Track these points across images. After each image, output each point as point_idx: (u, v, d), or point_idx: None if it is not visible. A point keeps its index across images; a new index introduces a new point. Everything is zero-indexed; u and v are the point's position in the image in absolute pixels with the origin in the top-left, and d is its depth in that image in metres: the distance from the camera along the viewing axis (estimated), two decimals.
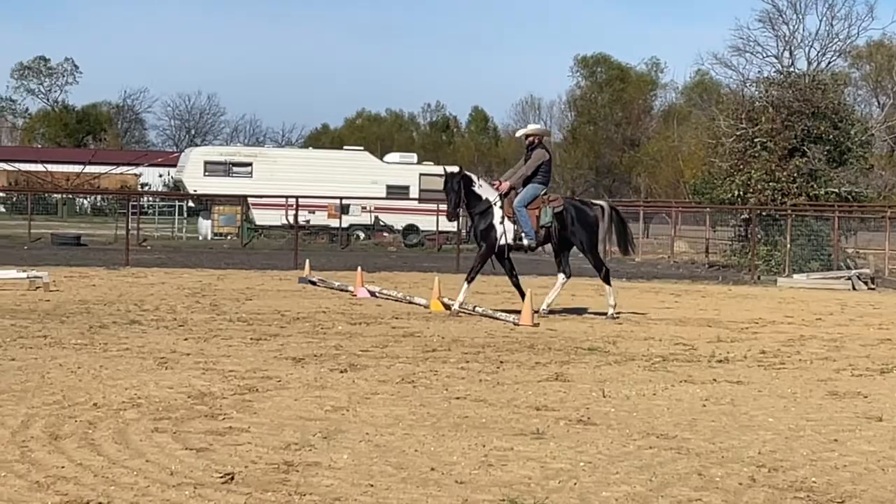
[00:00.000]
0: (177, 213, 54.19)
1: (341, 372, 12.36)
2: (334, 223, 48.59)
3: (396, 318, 18.27)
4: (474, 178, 19.62)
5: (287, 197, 43.05)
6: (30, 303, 18.91)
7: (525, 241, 19.42)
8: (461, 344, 15.19)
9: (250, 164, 50.96)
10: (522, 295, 19.00)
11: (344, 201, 47.33)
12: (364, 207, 50.13)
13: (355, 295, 21.97)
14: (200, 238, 49.91)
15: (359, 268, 24.36)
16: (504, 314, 18.34)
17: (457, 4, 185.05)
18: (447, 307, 19.33)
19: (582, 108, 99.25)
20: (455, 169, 20.12)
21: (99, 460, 7.97)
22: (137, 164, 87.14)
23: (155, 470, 7.76)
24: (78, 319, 16.68)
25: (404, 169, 52.51)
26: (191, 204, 55.65)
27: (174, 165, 68.66)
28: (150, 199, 67.00)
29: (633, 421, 10.11)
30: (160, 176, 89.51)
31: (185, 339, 14.76)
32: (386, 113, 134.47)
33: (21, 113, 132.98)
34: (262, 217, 49.43)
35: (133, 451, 8.28)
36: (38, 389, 10.67)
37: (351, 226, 50.11)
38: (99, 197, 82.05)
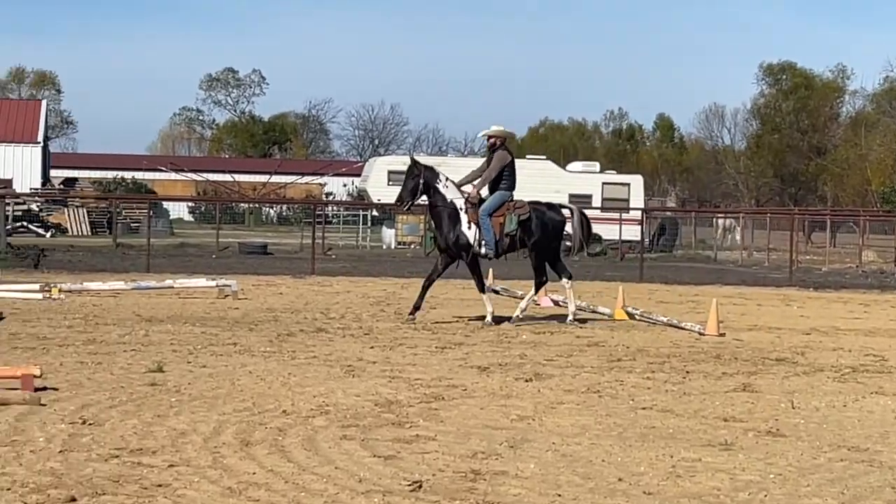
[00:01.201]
0: (361, 223, 54.77)
1: (526, 381, 12.35)
2: None
3: (580, 328, 18.20)
4: (442, 176, 18.73)
5: None
6: (219, 311, 19.29)
7: (482, 250, 18.61)
8: (646, 354, 15.06)
9: None
10: (419, 303, 18.54)
11: None
12: None
13: (539, 304, 21.91)
14: (384, 247, 50.36)
15: None
16: (690, 324, 18.12)
17: (641, 12, 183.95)
18: (625, 317, 19.15)
19: (766, 116, 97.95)
20: (420, 159, 19.57)
21: (289, 467, 8.07)
22: (322, 174, 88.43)
23: (344, 477, 7.83)
24: (266, 327, 16.96)
25: (587, 178, 52.29)
26: (374, 213, 56.20)
27: (358, 175, 69.51)
28: (335, 208, 67.85)
29: (823, 433, 9.91)
30: (344, 185, 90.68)
31: (371, 348, 14.90)
32: (568, 121, 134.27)
33: (209, 124, 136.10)
34: None
35: (322, 457, 8.38)
36: (229, 396, 10.86)
37: None
38: (285, 206, 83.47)
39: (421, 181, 18.37)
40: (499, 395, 11.38)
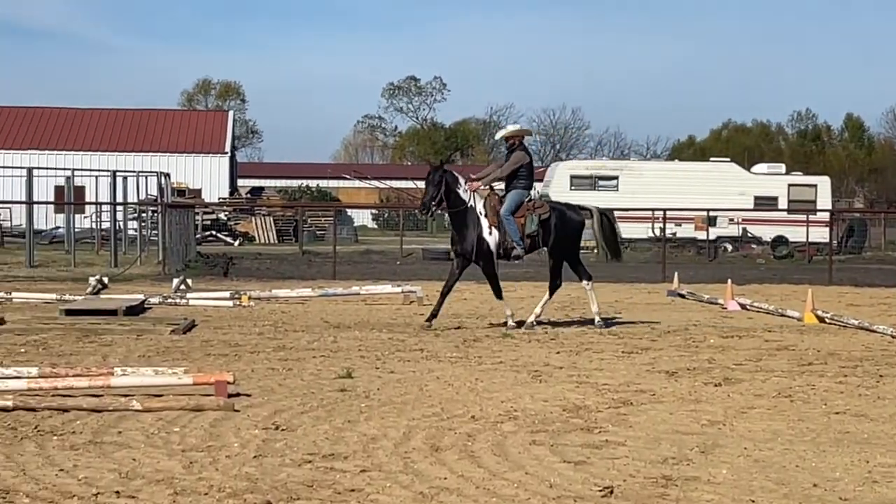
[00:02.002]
0: None
1: (715, 385, 12.20)
2: (701, 235, 48.05)
3: (769, 331, 17.90)
4: (461, 179, 18.35)
5: (653, 210, 42.89)
6: (405, 316, 19.46)
7: (515, 250, 18.16)
8: (837, 357, 14.75)
9: (616, 178, 51.03)
10: (437, 308, 18.10)
11: (711, 213, 46.80)
12: (731, 219, 49.43)
13: (725, 308, 21.65)
14: None
15: (728, 280, 24.02)
16: (882, 327, 17.70)
17: (825, 9, 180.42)
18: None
19: None
20: (438, 162, 18.85)
21: (479, 472, 8.09)
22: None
23: (534, 482, 7.82)
24: (452, 333, 17.05)
25: (772, 180, 51.47)
26: None
27: (540, 180, 69.46)
28: None
29: None
30: None
31: (558, 353, 14.87)
32: (752, 123, 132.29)
33: (391, 132, 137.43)
34: (628, 230, 49.35)
35: (512, 463, 8.38)
36: (418, 402, 10.94)
37: (718, 238, 49.45)
38: None
39: (443, 187, 17.95)
40: (688, 400, 11.27)
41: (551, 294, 18.61)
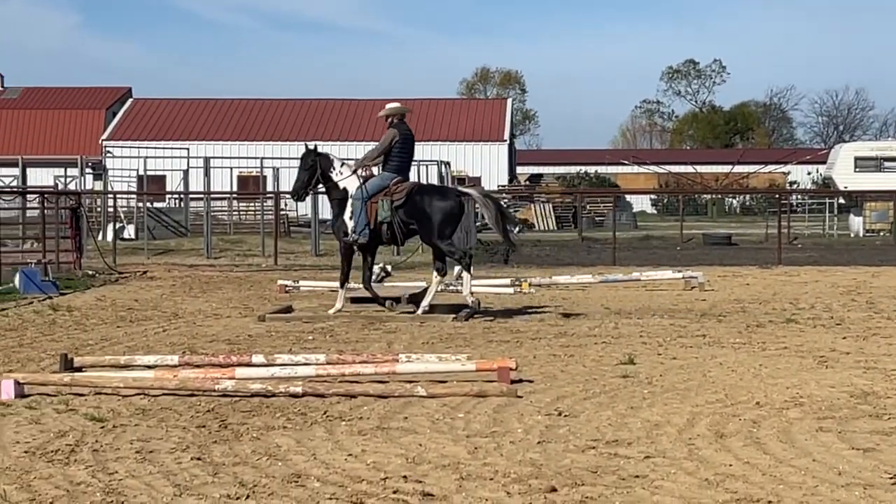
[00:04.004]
0: (827, 211, 53.40)
1: None
2: None
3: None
4: (336, 162, 17.41)
5: None
6: (686, 302, 19.27)
7: (352, 237, 17.17)
8: None
9: None
10: (375, 298, 17.35)
11: None
12: None
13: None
14: (852, 235, 48.94)
15: None
16: None
17: None
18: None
19: None
20: (312, 146, 17.82)
21: (765, 459, 7.97)
22: (785, 163, 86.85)
23: (822, 469, 7.66)
24: (734, 318, 16.81)
25: None
26: (841, 201, 54.68)
27: (823, 162, 67.88)
28: (800, 196, 66.53)
29: None
30: (808, 174, 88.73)
31: (844, 338, 14.50)
32: None
33: (669, 116, 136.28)
34: None
35: (798, 450, 8.23)
36: (701, 388, 10.83)
37: None
38: (748, 196, 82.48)
39: (317, 171, 17.28)
40: None
41: (468, 269, 17.24)
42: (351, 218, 17.15)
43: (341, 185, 17.31)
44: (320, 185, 17.64)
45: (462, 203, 17.47)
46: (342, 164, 17.50)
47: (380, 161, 17.50)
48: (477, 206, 17.39)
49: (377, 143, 17.69)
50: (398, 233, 17.31)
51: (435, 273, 17.46)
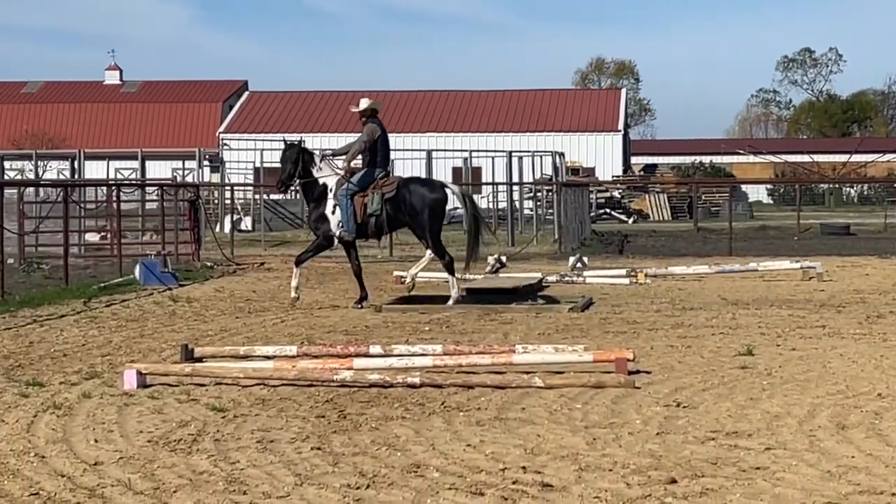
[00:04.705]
0: None
1: None
2: None
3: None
4: (316, 157, 17.55)
5: None
6: (804, 293, 19.04)
7: (338, 232, 17.41)
8: None
9: None
10: (362, 287, 17.48)
11: None
12: None
13: None
14: None
15: None
16: None
17: None
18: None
19: None
20: (296, 139, 17.79)
21: (888, 451, 7.87)
22: None
23: None
24: (854, 309, 16.59)
25: None
26: None
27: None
28: None
29: None
30: None
31: None
32: None
33: (785, 105, 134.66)
34: None
35: None
36: (821, 379, 10.71)
37: None
38: (866, 185, 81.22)
39: (299, 165, 17.45)
40: None
41: (450, 272, 17.62)
42: (333, 213, 17.45)
43: (321, 180, 17.58)
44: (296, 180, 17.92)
45: (447, 196, 17.76)
46: (321, 160, 17.78)
47: (364, 156, 17.73)
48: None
49: (357, 138, 17.82)
50: (385, 226, 17.78)
51: (428, 252, 17.64)
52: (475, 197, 18.22)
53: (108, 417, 9.26)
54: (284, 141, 18.17)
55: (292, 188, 18.52)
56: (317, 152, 18.11)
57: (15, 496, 7.02)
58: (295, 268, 17.87)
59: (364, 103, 17.74)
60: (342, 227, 17.42)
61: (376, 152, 17.60)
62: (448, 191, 17.92)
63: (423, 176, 19.39)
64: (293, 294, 17.50)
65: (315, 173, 17.59)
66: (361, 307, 17.16)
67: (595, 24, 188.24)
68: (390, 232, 18.42)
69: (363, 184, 17.44)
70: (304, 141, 18.14)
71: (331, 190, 17.49)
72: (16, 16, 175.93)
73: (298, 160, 17.55)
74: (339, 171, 17.65)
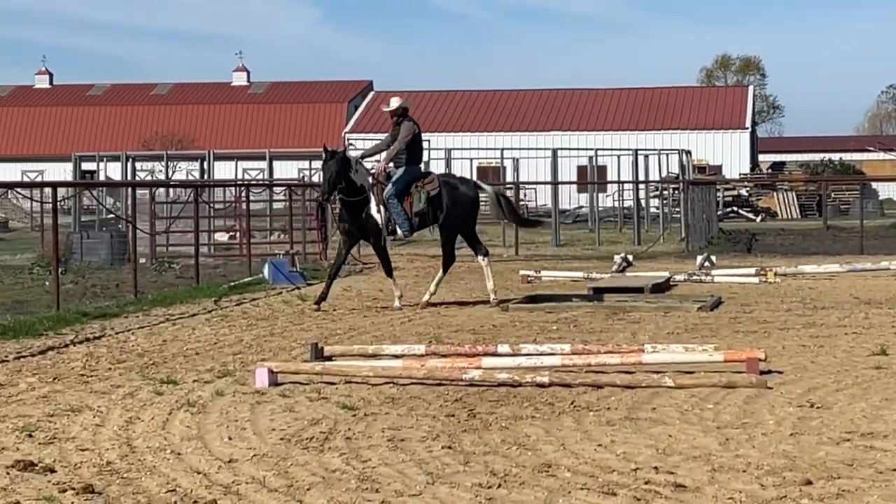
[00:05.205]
0: None
1: None
2: None
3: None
4: (353, 162, 17.35)
5: None
6: None
7: (398, 232, 17.62)
8: None
9: None
10: (328, 287, 17.61)
11: None
12: None
13: None
14: None
15: None
16: None
17: None
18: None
19: None
20: (335, 148, 17.75)
21: None
22: None
23: None
24: None
25: None
26: None
27: None
28: None
29: None
30: None
31: None
32: None
33: None
34: None
35: None
36: None
37: None
38: None
39: (341, 173, 17.15)
40: None
41: (444, 271, 18.08)
42: (378, 211, 17.47)
43: (358, 182, 17.51)
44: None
45: (480, 194, 18.51)
46: (356, 163, 17.72)
47: (401, 155, 17.66)
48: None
49: (395, 137, 17.62)
50: (427, 223, 18.00)
51: (480, 257, 17.91)
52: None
53: (240, 415, 9.37)
54: (325, 148, 17.90)
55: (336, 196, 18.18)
56: (352, 158, 18.08)
57: (152, 493, 7.13)
58: (391, 279, 17.88)
59: (395, 102, 17.83)
60: (398, 226, 17.56)
61: (413, 150, 17.76)
62: (481, 190, 18.64)
63: (458, 175, 19.92)
64: (396, 304, 17.35)
65: (353, 176, 17.51)
66: (319, 308, 17.10)
67: (720, 21, 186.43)
68: (424, 227, 18.61)
69: (406, 183, 17.57)
70: (353, 145, 18.51)
71: (370, 190, 17.53)
72: (145, 18, 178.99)
73: (340, 170, 17.34)
74: (372, 172, 17.77)
